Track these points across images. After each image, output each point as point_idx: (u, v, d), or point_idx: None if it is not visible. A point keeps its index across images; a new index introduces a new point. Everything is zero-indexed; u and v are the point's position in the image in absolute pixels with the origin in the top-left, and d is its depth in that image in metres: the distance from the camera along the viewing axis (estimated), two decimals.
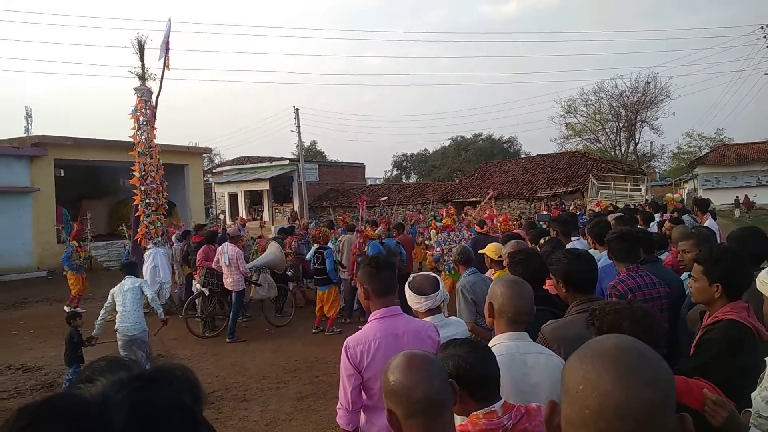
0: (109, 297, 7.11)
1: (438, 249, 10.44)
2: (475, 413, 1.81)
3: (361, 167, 41.69)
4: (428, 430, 1.49)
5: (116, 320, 7.08)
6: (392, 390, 1.53)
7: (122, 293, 7.06)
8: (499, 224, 12.16)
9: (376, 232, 11.29)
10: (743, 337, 2.49)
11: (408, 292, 3.18)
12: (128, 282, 7.17)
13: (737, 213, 33.09)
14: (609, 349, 0.93)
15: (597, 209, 14.65)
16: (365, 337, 2.80)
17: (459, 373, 1.80)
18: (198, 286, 10.17)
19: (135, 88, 12.45)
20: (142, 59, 12.74)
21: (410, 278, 3.28)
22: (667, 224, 6.98)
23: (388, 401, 1.55)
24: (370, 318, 2.89)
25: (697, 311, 3.21)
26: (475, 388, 1.78)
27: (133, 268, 7.78)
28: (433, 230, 13.64)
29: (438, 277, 3.38)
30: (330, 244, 10.58)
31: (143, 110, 12.28)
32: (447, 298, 3.63)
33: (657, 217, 9.67)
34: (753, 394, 2.10)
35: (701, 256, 2.79)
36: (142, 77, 12.68)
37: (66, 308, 12.33)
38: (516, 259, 3.57)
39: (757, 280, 2.34)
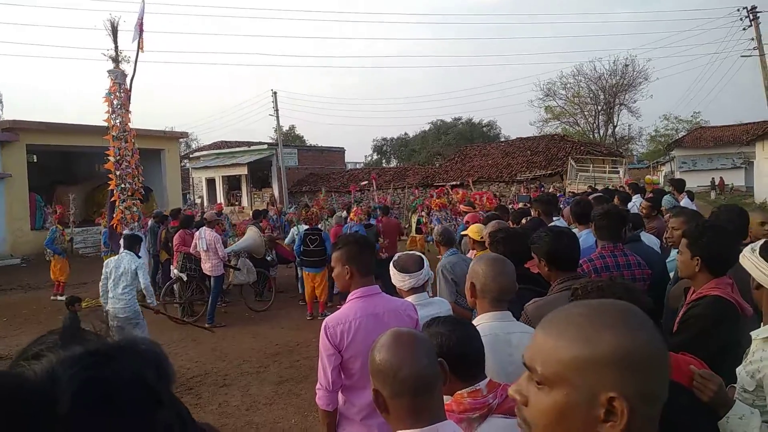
0: (104, 272, 6.82)
1: (438, 226, 10.41)
2: (459, 392, 1.76)
3: (341, 151, 41.47)
4: (415, 409, 1.44)
5: (101, 293, 6.87)
6: (378, 369, 1.48)
7: (116, 272, 6.73)
8: (486, 202, 12.32)
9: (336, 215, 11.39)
10: (727, 313, 2.49)
11: (392, 270, 3.17)
12: (126, 260, 6.79)
13: (713, 195, 33.63)
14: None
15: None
16: (345, 316, 2.76)
17: (443, 351, 1.75)
18: (176, 271, 10.03)
19: (108, 71, 12.11)
20: (115, 41, 12.37)
21: (395, 257, 3.27)
22: (642, 203, 7.05)
23: (375, 380, 1.49)
24: (349, 297, 2.86)
25: (680, 288, 3.22)
26: (459, 367, 1.73)
27: (134, 241, 7.19)
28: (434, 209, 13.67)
29: (423, 256, 3.35)
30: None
31: (117, 93, 11.96)
32: (432, 277, 3.60)
33: (635, 198, 9.74)
34: (738, 369, 2.09)
35: (687, 230, 2.81)
36: (116, 60, 12.32)
37: (54, 298, 12.13)
38: (497, 238, 3.53)
39: (741, 256, 2.33)
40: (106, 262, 6.86)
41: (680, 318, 2.68)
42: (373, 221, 11.56)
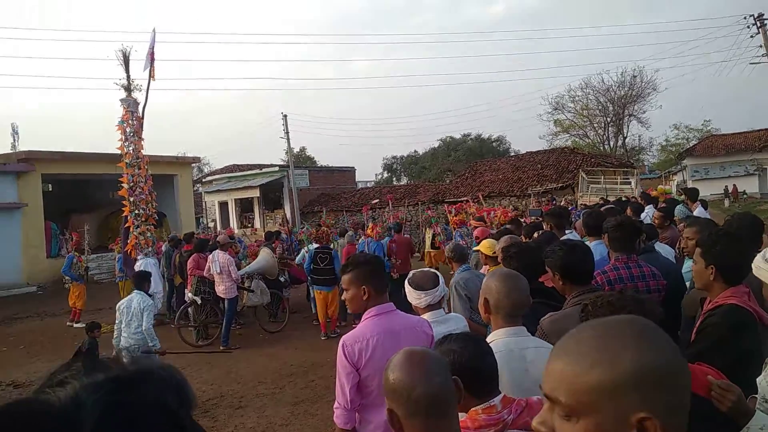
0: (117, 314, 6.87)
1: (462, 242, 10.43)
2: (473, 408, 1.75)
3: (351, 171, 41.60)
4: (430, 429, 1.43)
5: (114, 335, 6.92)
6: (392, 388, 1.47)
7: (128, 312, 6.77)
8: (500, 217, 12.33)
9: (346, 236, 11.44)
10: (745, 322, 2.45)
11: (408, 288, 3.18)
12: (135, 300, 6.81)
13: (726, 203, 33.30)
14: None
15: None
16: (362, 334, 2.76)
17: (455, 368, 1.74)
18: (190, 294, 10.07)
19: (121, 100, 12.33)
20: (127, 70, 12.61)
21: (410, 274, 3.29)
22: (655, 213, 7.03)
23: (389, 400, 1.48)
24: (365, 316, 2.85)
25: (694, 297, 3.18)
26: (472, 383, 1.72)
27: (143, 280, 7.23)
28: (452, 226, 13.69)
29: (438, 273, 3.35)
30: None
31: (130, 121, 12.16)
32: (447, 294, 3.60)
33: (648, 209, 9.69)
34: (758, 379, 2.06)
35: (700, 239, 2.79)
36: (128, 88, 12.55)
37: (70, 324, 12.22)
38: (510, 253, 3.52)
39: (753, 265, 2.31)
40: (117, 305, 6.91)
41: (697, 328, 2.64)
42: (387, 239, 11.63)
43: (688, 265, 4.71)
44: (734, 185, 36.28)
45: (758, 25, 22.53)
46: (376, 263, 2.94)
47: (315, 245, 10.34)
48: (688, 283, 4.30)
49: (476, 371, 1.77)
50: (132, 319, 6.77)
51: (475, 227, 9.63)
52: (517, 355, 2.22)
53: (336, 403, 2.79)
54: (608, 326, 0.95)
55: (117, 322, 6.87)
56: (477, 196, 20.71)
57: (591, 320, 1.00)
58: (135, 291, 7.02)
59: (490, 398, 1.77)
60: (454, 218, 13.42)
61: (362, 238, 12.31)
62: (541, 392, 0.98)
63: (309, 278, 10.20)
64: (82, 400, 0.53)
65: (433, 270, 3.46)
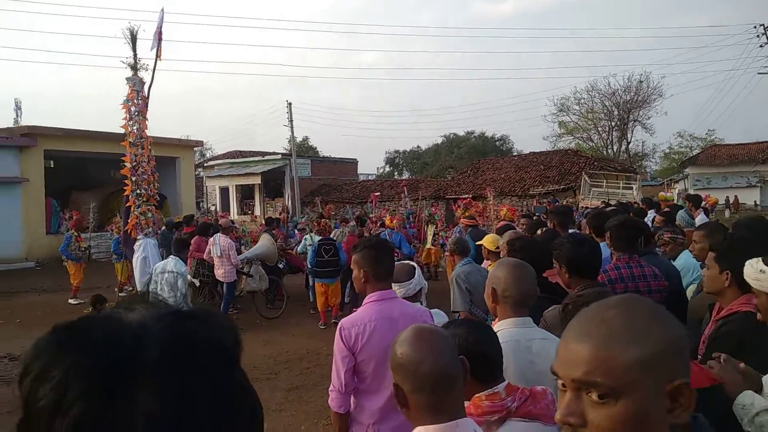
0: (152, 276, 7.16)
1: (454, 236, 10.45)
2: (477, 395, 1.75)
3: (353, 163, 41.61)
4: (435, 405, 1.43)
5: None
6: (399, 363, 1.48)
7: (161, 275, 7.04)
8: (504, 213, 12.44)
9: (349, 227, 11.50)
10: (761, 330, 2.41)
11: None
12: (172, 262, 7.09)
13: (727, 213, 33.31)
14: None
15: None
16: (360, 319, 2.76)
17: (461, 352, 1.74)
18: (189, 277, 10.07)
19: (127, 78, 12.26)
20: (134, 49, 12.54)
21: None
22: (657, 218, 7.06)
23: (395, 375, 1.50)
24: (365, 301, 2.86)
25: (701, 301, 3.16)
26: (476, 368, 1.71)
27: (182, 247, 7.52)
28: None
29: (415, 265, 3.35)
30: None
31: (135, 100, 12.09)
32: (425, 287, 3.59)
33: (649, 213, 9.71)
34: (765, 378, 2.06)
35: (715, 243, 2.71)
36: (134, 67, 12.50)
37: (72, 301, 12.26)
38: (515, 247, 3.53)
39: (749, 277, 2.27)
40: (153, 267, 7.21)
41: (711, 335, 2.59)
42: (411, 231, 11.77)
43: (679, 264, 4.73)
44: (735, 196, 36.29)
45: (767, 35, 22.49)
46: (379, 249, 2.90)
47: (318, 238, 10.36)
48: (690, 287, 4.32)
49: (481, 356, 1.77)
50: (163, 283, 7.05)
51: (467, 226, 9.65)
52: (523, 346, 2.21)
53: (331, 386, 2.81)
54: (625, 305, 0.96)
55: (152, 285, 7.13)
56: (485, 192, 20.70)
57: (598, 303, 1.00)
58: (171, 256, 7.30)
59: (495, 385, 1.77)
60: (464, 220, 13.46)
61: (373, 229, 12.41)
62: (559, 381, 0.97)
63: (312, 270, 10.16)
64: (149, 326, 0.56)
65: (411, 263, 3.46)
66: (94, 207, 18.95)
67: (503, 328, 2.29)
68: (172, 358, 0.54)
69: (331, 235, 10.99)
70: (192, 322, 0.60)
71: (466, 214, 11.26)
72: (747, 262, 2.26)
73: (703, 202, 16.71)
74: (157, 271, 7.11)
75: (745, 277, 2.26)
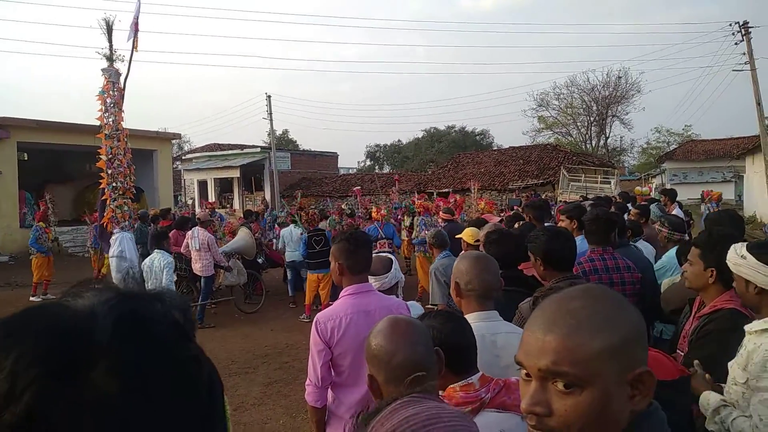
0: (143, 273, 7.23)
1: (424, 232, 10.43)
2: (451, 386, 1.75)
3: (334, 156, 41.45)
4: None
5: None
6: (374, 354, 1.48)
7: (151, 272, 7.14)
8: (483, 206, 12.54)
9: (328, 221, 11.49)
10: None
11: None
12: (156, 259, 7.18)
13: (702, 207, 33.82)
14: None
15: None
16: (336, 312, 2.75)
17: (435, 343, 1.74)
18: None
19: (102, 69, 12.05)
20: (110, 40, 12.30)
21: None
22: (633, 211, 7.14)
23: (370, 366, 1.49)
24: (341, 294, 2.85)
25: (675, 291, 3.19)
26: (451, 358, 1.71)
27: (161, 239, 7.65)
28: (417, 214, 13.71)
29: (392, 258, 3.34)
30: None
31: (111, 92, 11.88)
32: (402, 280, 3.58)
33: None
34: (730, 363, 2.10)
35: (700, 239, 2.71)
36: (110, 58, 12.28)
37: (33, 298, 12.02)
38: (490, 239, 3.54)
39: (730, 262, 2.29)
40: (142, 264, 7.33)
41: (698, 332, 2.57)
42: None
43: (660, 263, 4.78)
44: (711, 190, 36.85)
45: (743, 32, 22.80)
46: (354, 242, 2.85)
47: (298, 230, 10.35)
48: (664, 281, 4.36)
49: (455, 347, 1.77)
50: (162, 278, 7.17)
51: (444, 220, 9.68)
52: (488, 341, 2.18)
53: (308, 380, 2.79)
54: (589, 295, 0.98)
55: (144, 282, 7.20)
56: (467, 185, 20.76)
57: (561, 293, 1.01)
58: (155, 250, 7.40)
59: (468, 376, 1.77)
60: (441, 211, 13.49)
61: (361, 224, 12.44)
62: (523, 371, 0.98)
63: (305, 263, 10.05)
64: (97, 309, 0.56)
65: (388, 255, 3.45)
66: (52, 198, 18.36)
67: (469, 322, 2.27)
68: (124, 335, 0.54)
69: (320, 226, 10.94)
70: (142, 300, 0.60)
71: (443, 206, 11.29)
72: (731, 246, 2.29)
73: (707, 197, 17.07)
74: (145, 267, 7.19)
75: (726, 261, 2.29)
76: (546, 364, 0.92)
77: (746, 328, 2.12)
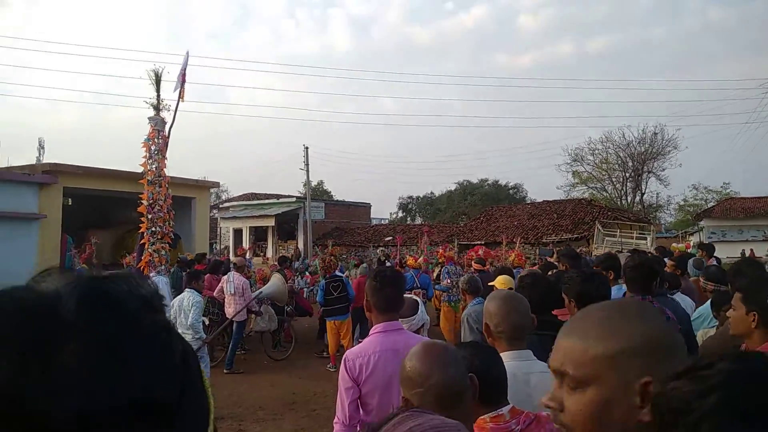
0: (171, 311, 7.24)
1: (447, 281, 10.39)
2: (482, 417, 1.74)
3: (366, 207, 41.84)
4: None
5: None
6: (408, 376, 1.50)
7: (183, 309, 7.25)
8: (513, 259, 12.60)
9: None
10: None
11: None
12: (187, 295, 7.35)
13: None
14: None
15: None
16: (365, 350, 2.76)
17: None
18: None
19: (149, 118, 12.55)
20: (157, 90, 12.88)
21: None
22: (669, 263, 7.05)
23: (404, 388, 1.52)
24: (371, 332, 2.86)
25: (715, 341, 3.10)
26: (481, 389, 1.71)
27: (193, 278, 7.78)
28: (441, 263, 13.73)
29: (418, 299, 3.36)
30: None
31: (155, 139, 12.34)
32: (428, 322, 3.58)
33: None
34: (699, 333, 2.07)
35: (743, 284, 2.68)
36: (157, 107, 12.81)
37: None
38: (524, 283, 3.52)
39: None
40: (171, 302, 7.37)
41: None
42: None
43: (697, 312, 4.67)
44: (751, 249, 35.81)
45: None
46: (381, 280, 2.86)
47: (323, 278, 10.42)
48: (699, 332, 4.26)
49: (486, 376, 1.75)
50: (182, 315, 7.25)
51: (476, 270, 9.63)
52: (521, 380, 2.17)
53: (336, 418, 2.79)
54: (614, 306, 1.08)
55: (172, 319, 7.17)
56: (510, 239, 20.65)
57: (597, 303, 1.12)
58: (186, 289, 7.52)
59: (499, 407, 1.76)
60: (447, 254, 13.59)
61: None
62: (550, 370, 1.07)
63: (322, 311, 10.09)
64: (62, 290, 0.56)
65: (414, 297, 3.47)
66: (96, 243, 18.83)
67: None
68: (90, 312, 0.55)
69: (337, 272, 10.99)
70: (106, 280, 0.60)
71: (475, 257, 11.29)
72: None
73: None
74: (175, 305, 7.27)
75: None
76: (556, 365, 1.02)
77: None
